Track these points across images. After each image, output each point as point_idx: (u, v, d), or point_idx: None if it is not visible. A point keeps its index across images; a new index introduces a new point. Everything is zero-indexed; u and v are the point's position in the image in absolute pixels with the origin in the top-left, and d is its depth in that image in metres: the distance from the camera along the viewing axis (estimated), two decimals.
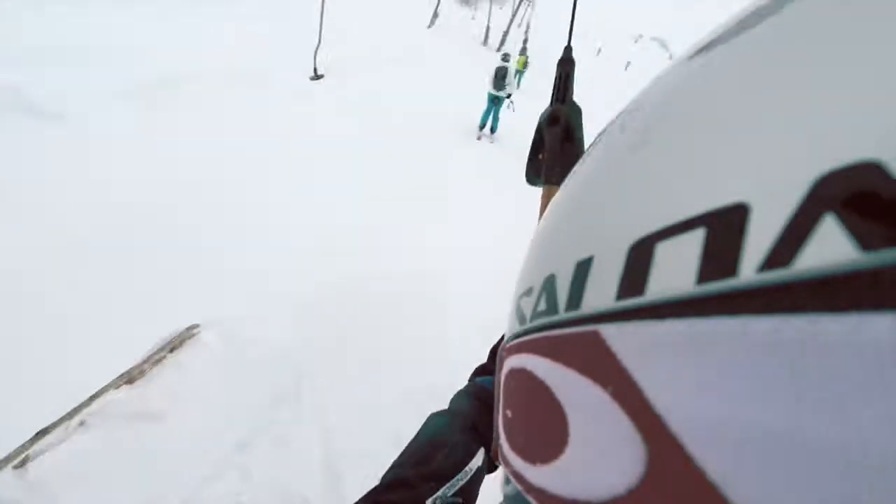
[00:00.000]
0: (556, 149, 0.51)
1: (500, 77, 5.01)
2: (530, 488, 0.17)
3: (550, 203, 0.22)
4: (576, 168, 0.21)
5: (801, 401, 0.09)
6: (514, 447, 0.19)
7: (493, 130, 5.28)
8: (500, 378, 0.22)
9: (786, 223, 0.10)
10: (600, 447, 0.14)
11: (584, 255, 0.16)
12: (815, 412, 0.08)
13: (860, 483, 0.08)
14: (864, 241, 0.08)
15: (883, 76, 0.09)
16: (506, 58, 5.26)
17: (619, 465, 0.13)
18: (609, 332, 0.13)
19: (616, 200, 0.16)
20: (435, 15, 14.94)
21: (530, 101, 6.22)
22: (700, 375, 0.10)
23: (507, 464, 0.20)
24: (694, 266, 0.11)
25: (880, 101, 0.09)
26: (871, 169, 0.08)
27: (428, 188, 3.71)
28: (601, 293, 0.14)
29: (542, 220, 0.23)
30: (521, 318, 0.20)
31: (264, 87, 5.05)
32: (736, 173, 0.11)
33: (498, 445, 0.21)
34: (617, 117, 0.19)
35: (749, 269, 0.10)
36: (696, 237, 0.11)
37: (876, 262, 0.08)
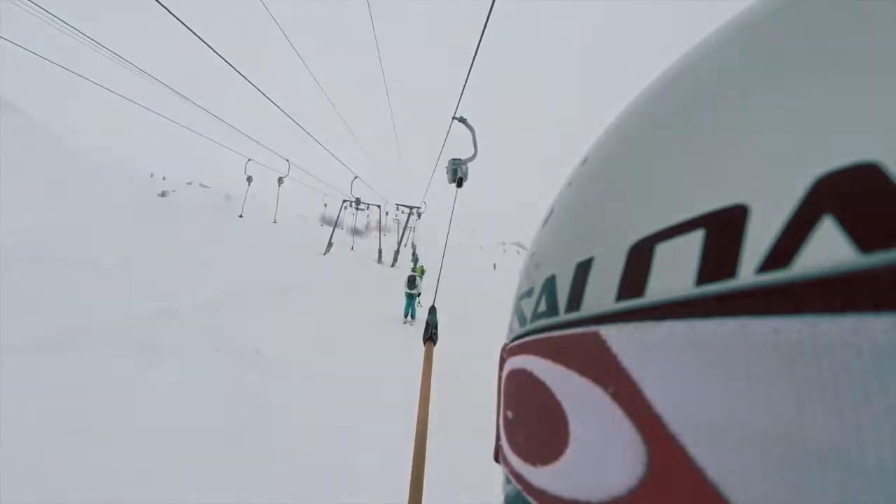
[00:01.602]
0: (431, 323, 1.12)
1: (411, 282, 7.72)
2: (531, 489, 0.16)
3: (550, 205, 0.23)
4: (577, 171, 0.21)
5: (801, 402, 0.09)
6: (514, 448, 0.18)
7: (413, 317, 7.60)
8: (500, 379, 0.21)
9: (785, 224, 0.10)
10: (601, 448, 0.13)
11: (584, 257, 0.16)
12: (813, 413, 0.08)
13: (859, 483, 0.08)
14: (863, 243, 0.08)
15: (881, 78, 0.09)
16: (413, 270, 8.69)
17: (619, 465, 0.13)
18: (609, 333, 0.13)
19: (616, 202, 0.16)
20: (329, 244, 15.89)
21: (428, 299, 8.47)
22: (700, 376, 0.10)
23: (508, 464, 0.19)
24: (693, 267, 0.11)
25: (878, 103, 0.09)
26: (870, 170, 0.09)
27: (387, 350, 5.23)
28: (601, 294, 0.14)
29: (541, 223, 0.23)
30: (522, 319, 0.20)
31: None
32: (735, 175, 0.11)
33: (498, 446, 0.20)
34: (616, 120, 0.20)
35: (748, 271, 0.10)
36: (696, 238, 0.12)
37: (874, 264, 0.08)
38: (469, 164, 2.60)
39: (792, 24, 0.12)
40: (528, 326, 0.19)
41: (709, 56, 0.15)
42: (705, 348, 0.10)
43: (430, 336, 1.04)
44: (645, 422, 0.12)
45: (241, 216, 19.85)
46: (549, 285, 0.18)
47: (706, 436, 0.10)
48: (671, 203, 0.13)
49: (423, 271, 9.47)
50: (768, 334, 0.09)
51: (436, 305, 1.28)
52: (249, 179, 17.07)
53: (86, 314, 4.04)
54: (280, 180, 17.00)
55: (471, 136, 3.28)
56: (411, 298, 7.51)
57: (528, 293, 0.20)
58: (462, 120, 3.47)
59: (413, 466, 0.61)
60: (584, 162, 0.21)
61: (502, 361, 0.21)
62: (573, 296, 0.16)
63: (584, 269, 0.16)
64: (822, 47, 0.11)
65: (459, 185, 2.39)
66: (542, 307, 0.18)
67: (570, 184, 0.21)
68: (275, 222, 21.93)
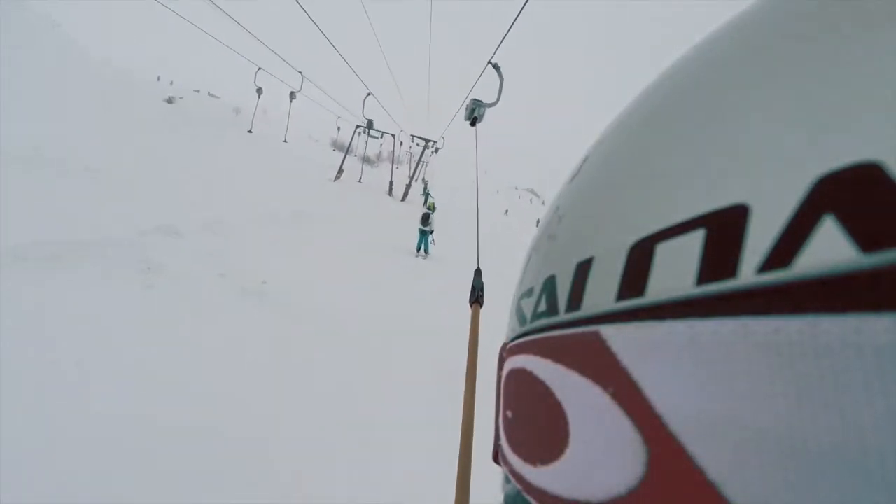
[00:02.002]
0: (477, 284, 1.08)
1: (425, 219, 8.14)
2: (530, 489, 0.17)
3: (551, 204, 0.23)
4: (577, 170, 0.21)
5: (801, 402, 0.09)
6: (514, 448, 0.19)
7: (426, 251, 8.18)
8: (500, 378, 0.21)
9: (785, 224, 0.10)
10: (601, 448, 0.14)
11: (584, 256, 0.16)
12: (814, 413, 0.08)
13: (860, 484, 0.08)
14: (864, 243, 0.08)
15: (882, 77, 0.09)
16: (425, 205, 8.91)
17: (619, 465, 0.13)
18: (609, 332, 0.13)
19: (616, 202, 0.16)
20: (340, 171, 15.32)
21: (440, 235, 9.21)
22: (700, 376, 0.10)
23: (508, 464, 0.19)
24: (694, 267, 0.11)
25: (880, 103, 0.09)
26: (871, 170, 0.09)
27: (402, 278, 5.74)
28: (601, 294, 0.14)
29: (541, 223, 0.23)
30: (522, 319, 0.20)
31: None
32: (736, 174, 0.11)
33: (498, 446, 0.21)
34: (617, 119, 0.20)
35: (749, 270, 0.10)
36: (696, 238, 0.12)
37: (875, 264, 0.08)
38: (488, 109, 2.88)
39: (792, 24, 0.12)
40: (528, 326, 0.19)
41: (709, 55, 0.15)
42: (706, 348, 0.10)
43: (477, 298, 1.01)
44: (645, 422, 0.12)
45: (250, 131, 18.77)
46: (549, 285, 0.18)
47: (706, 435, 0.10)
48: (671, 203, 0.13)
49: (433, 207, 9.39)
50: (769, 334, 0.09)
51: (479, 264, 1.22)
52: (259, 91, 15.81)
53: (80, 225, 3.70)
54: (292, 95, 15.73)
55: (499, 84, 3.61)
56: (424, 234, 8.06)
57: (528, 293, 0.20)
58: (496, 67, 3.61)
59: (460, 461, 0.53)
60: (584, 161, 0.21)
61: (502, 361, 0.22)
62: (573, 295, 0.16)
63: (584, 268, 0.16)
64: (822, 47, 0.11)
65: (473, 123, 2.62)
66: (542, 307, 0.18)
67: (570, 182, 0.21)
68: (285, 141, 20.86)
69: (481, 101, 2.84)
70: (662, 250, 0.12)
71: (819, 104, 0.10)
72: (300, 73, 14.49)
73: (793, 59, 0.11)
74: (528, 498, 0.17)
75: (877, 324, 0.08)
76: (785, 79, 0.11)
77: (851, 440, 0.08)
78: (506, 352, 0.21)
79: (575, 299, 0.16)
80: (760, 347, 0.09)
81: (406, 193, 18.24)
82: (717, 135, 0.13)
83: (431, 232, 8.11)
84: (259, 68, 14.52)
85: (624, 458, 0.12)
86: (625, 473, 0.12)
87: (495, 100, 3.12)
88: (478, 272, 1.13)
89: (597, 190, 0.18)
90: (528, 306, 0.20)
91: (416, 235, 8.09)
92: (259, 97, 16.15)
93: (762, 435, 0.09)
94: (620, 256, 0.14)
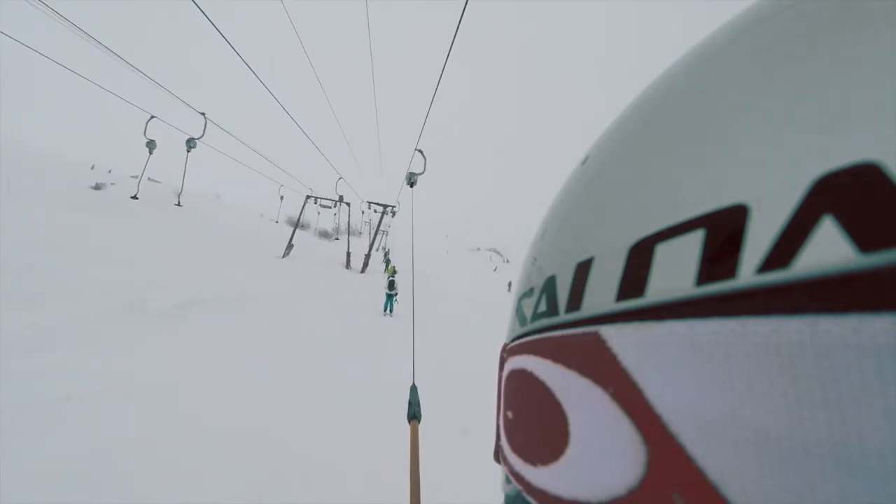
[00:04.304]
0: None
1: (391, 285, 9.65)
2: (531, 489, 0.17)
3: (551, 205, 0.24)
4: (577, 171, 0.22)
5: (801, 401, 0.09)
6: (514, 448, 0.19)
7: (391, 312, 9.54)
8: (500, 379, 0.21)
9: (785, 224, 0.10)
10: (601, 448, 0.14)
11: (584, 257, 0.16)
12: (813, 413, 0.08)
13: (859, 483, 0.08)
14: (863, 243, 0.08)
15: (881, 78, 0.09)
16: (393, 274, 10.05)
17: (619, 465, 0.13)
18: (609, 333, 0.14)
19: (616, 202, 0.16)
20: (290, 246, 14.24)
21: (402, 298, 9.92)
22: (700, 376, 0.11)
23: (508, 464, 0.19)
24: (693, 267, 0.12)
25: (878, 103, 0.09)
26: (870, 170, 0.09)
27: (371, 335, 6.32)
28: (601, 294, 0.15)
29: (542, 223, 0.24)
30: (522, 319, 0.21)
31: None
32: (735, 175, 0.12)
33: (499, 446, 0.21)
34: (616, 120, 0.20)
35: (748, 271, 0.10)
36: (696, 238, 0.12)
37: (875, 264, 0.08)
38: (419, 177, 4.53)
39: (791, 24, 0.12)
40: (529, 326, 0.20)
41: (709, 56, 0.15)
42: (705, 348, 0.11)
43: (414, 414, 0.95)
44: (645, 422, 0.12)
45: (135, 197, 13.68)
46: (550, 285, 0.18)
47: (706, 436, 0.10)
48: (671, 203, 0.13)
49: (394, 271, 10.18)
50: (768, 334, 0.09)
51: (414, 380, 1.14)
52: (150, 145, 11.16)
53: None
54: (190, 143, 11.37)
55: (423, 161, 5.30)
56: (390, 297, 9.69)
57: (529, 293, 0.21)
58: (420, 151, 5.38)
59: None
60: (584, 162, 0.21)
61: (502, 361, 0.22)
62: (573, 296, 0.16)
63: (584, 269, 0.16)
64: (822, 47, 0.11)
65: (411, 186, 4.30)
66: (543, 307, 0.19)
67: (570, 184, 0.21)
68: (178, 205, 15.91)
69: (415, 173, 4.47)
70: (662, 250, 0.13)
71: (818, 104, 0.10)
72: (202, 114, 10.56)
73: (792, 59, 0.12)
74: (529, 498, 0.17)
75: (876, 324, 0.08)
76: (784, 79, 0.12)
77: (851, 440, 0.08)
78: (506, 352, 0.21)
79: (575, 299, 0.16)
80: (760, 347, 0.09)
81: (365, 265, 17.33)
82: (717, 135, 0.13)
83: (396, 294, 9.73)
84: (151, 116, 10.62)
85: (624, 459, 0.13)
86: (625, 473, 0.13)
87: (423, 171, 4.86)
88: (413, 388, 1.06)
89: (597, 190, 0.18)
90: (528, 306, 0.20)
91: (384, 298, 9.74)
92: (150, 153, 11.42)
93: (762, 435, 0.09)
94: (620, 257, 0.14)
